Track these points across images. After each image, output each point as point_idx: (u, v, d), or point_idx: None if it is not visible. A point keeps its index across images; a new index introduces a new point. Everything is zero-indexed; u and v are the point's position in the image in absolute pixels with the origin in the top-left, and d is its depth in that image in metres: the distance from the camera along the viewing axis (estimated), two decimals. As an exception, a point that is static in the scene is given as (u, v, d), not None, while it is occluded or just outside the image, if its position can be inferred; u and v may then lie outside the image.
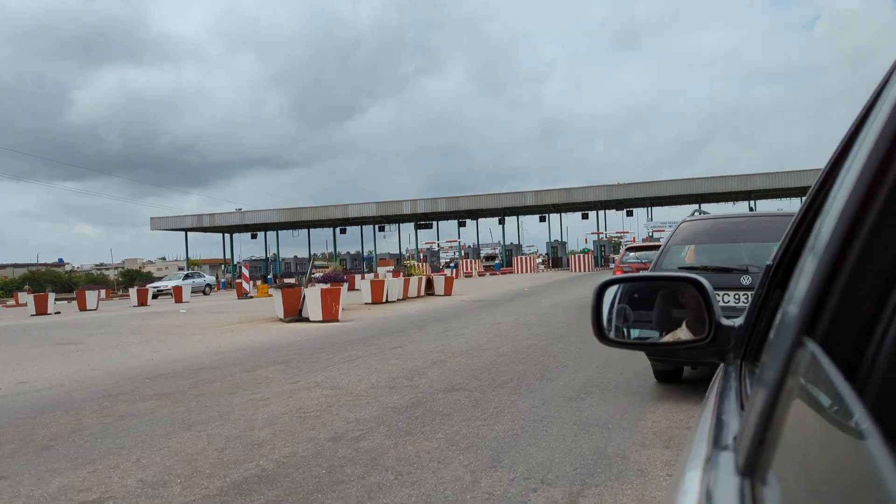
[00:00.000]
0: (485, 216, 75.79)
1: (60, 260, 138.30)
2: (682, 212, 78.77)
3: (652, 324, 1.72)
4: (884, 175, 0.61)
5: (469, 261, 65.57)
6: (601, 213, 72.96)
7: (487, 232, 73.99)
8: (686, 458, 1.00)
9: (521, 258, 64.57)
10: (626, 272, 15.23)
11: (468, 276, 54.02)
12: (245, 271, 28.98)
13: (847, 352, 0.61)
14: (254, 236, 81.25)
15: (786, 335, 0.73)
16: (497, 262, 70.78)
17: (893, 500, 0.37)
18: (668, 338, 1.62)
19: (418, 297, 24.80)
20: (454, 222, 75.53)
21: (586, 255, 61.38)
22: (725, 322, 1.43)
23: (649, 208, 70.66)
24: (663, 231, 61.34)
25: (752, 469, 0.68)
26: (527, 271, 62.40)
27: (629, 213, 71.48)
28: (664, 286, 1.74)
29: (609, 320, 1.70)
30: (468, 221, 78.36)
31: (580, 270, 58.72)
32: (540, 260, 70.52)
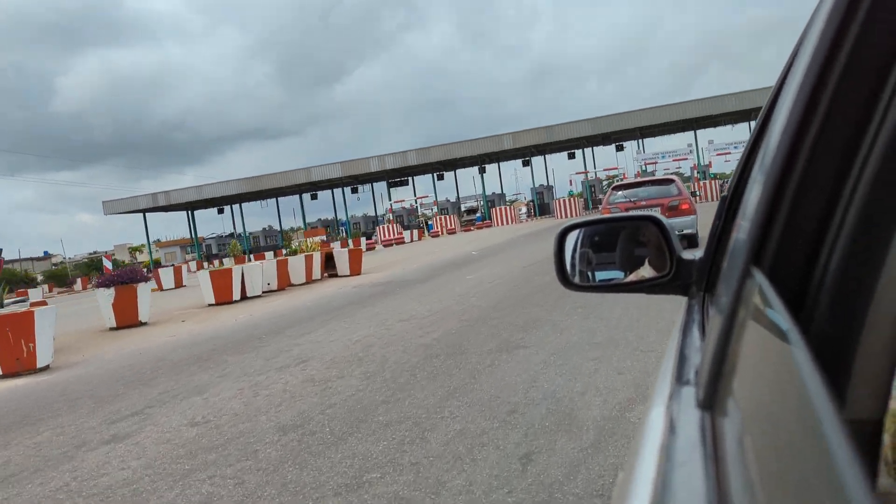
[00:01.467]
0: (462, 166, 67.86)
1: (46, 252, 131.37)
2: (679, 141, 70.51)
3: (616, 265, 1.67)
4: (819, 96, 0.59)
5: (444, 217, 57.95)
6: (588, 150, 64.93)
7: (473, 183, 66.00)
8: (652, 395, 1.00)
9: (501, 209, 56.88)
10: (613, 214, 10.39)
11: (435, 235, 46.34)
12: (108, 263, 21.42)
13: (792, 279, 0.62)
14: (220, 211, 73.90)
15: (735, 266, 0.72)
16: (478, 215, 63.15)
17: (822, 422, 0.39)
18: (632, 277, 1.59)
19: (307, 282, 17.30)
20: (433, 176, 67.83)
21: (573, 199, 53.53)
22: (686, 256, 1.42)
23: (639, 140, 62.50)
24: (656, 164, 53.31)
25: (712, 402, 0.66)
26: (508, 223, 54.78)
27: (619, 148, 63.42)
28: (624, 226, 1.70)
29: (572, 266, 1.65)
30: (446, 174, 70.52)
31: (567, 217, 51.12)
32: (524, 209, 62.88)
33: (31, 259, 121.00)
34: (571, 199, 53.33)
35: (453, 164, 67.58)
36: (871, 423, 0.53)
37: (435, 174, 66.84)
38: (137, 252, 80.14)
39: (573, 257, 1.66)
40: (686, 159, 54.05)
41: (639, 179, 17.87)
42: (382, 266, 20.68)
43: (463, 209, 69.21)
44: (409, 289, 13.14)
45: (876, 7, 0.54)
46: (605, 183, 76.89)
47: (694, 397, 0.74)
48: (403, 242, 40.25)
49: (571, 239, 1.65)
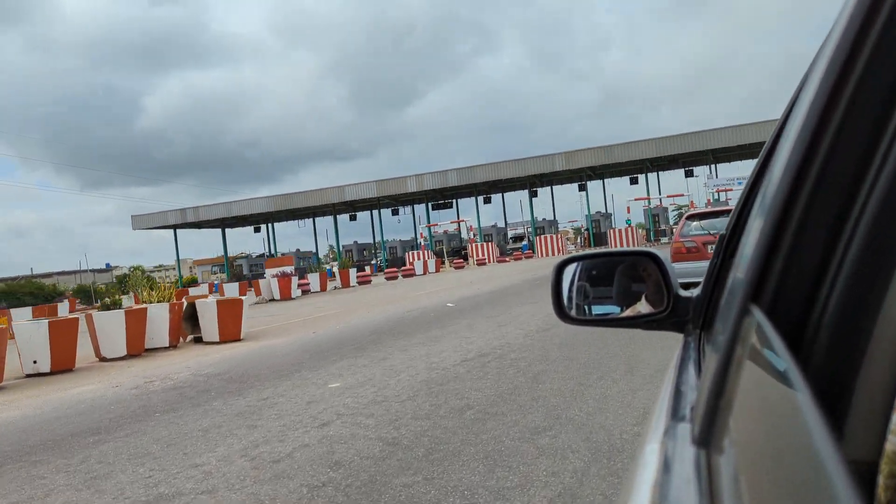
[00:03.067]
0: (511, 188, 60.52)
1: (108, 265, 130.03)
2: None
3: (612, 299, 1.65)
4: (822, 134, 0.57)
5: (483, 245, 50.48)
6: (653, 175, 56.63)
7: (521, 208, 57.54)
8: (647, 431, 0.98)
9: (545, 238, 49.08)
10: (689, 249, 10.60)
11: (459, 267, 38.65)
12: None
13: (791, 317, 0.60)
14: (256, 230, 68.69)
15: (733, 303, 0.70)
16: (524, 243, 55.56)
17: (823, 462, 0.38)
18: (628, 312, 1.58)
19: (129, 356, 10.23)
20: (479, 199, 60.68)
21: (631, 230, 45.34)
22: (683, 293, 1.40)
23: (712, 165, 53.83)
24: (731, 191, 44.66)
25: (708, 439, 0.65)
26: (553, 253, 46.95)
27: (689, 174, 54.89)
28: (622, 261, 1.69)
29: (569, 298, 1.62)
30: (494, 197, 63.21)
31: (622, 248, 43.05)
32: (576, 239, 55.05)
33: (93, 271, 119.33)
34: (629, 230, 45.14)
35: (501, 186, 60.33)
36: (867, 463, 0.53)
37: (480, 197, 59.75)
38: (115, 270, 75.06)
39: (570, 290, 1.60)
40: (768, 186, 45.15)
41: (719, 209, 14.12)
42: (300, 322, 13.61)
43: (510, 236, 61.75)
44: (189, 412, 6.00)
45: (880, 47, 0.53)
46: (671, 212, 67.76)
47: (689, 434, 0.72)
48: (413, 274, 33.02)
49: (569, 272, 1.60)
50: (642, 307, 1.50)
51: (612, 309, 1.65)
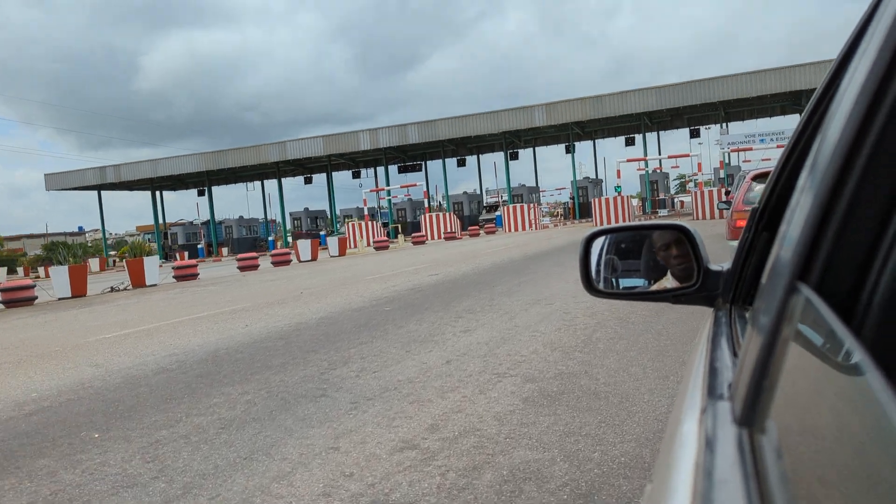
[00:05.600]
0: (488, 148, 50.80)
1: (80, 228, 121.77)
2: (786, 123, 51.27)
3: (640, 272, 1.63)
4: (879, 104, 0.52)
5: (442, 215, 40.81)
6: (651, 135, 46.76)
7: (495, 171, 48.18)
8: (680, 408, 0.95)
9: (513, 209, 39.28)
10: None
11: (381, 247, 28.65)
12: None
13: (843, 295, 0.56)
14: (200, 193, 59.16)
15: (778, 281, 0.66)
16: (498, 213, 46.00)
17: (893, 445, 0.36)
18: (656, 286, 1.56)
19: None
20: (450, 161, 51.06)
21: (621, 199, 35.47)
22: (713, 267, 1.39)
23: (723, 123, 43.81)
24: (751, 150, 34.73)
25: (750, 418, 0.62)
26: (522, 228, 37.34)
27: (694, 133, 44.97)
28: (651, 234, 1.64)
29: (597, 272, 1.62)
30: (470, 160, 53.51)
31: (610, 223, 33.33)
32: (556, 209, 45.45)
33: (65, 234, 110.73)
34: (619, 199, 35.23)
35: (473, 146, 50.60)
36: None
37: (450, 158, 50.07)
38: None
39: (598, 263, 1.60)
40: (797, 146, 34.93)
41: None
42: None
43: (485, 205, 52.18)
44: None
45: None
46: (673, 181, 57.32)
47: (730, 413, 0.69)
48: (288, 262, 22.89)
49: (597, 245, 1.59)
50: (670, 281, 1.47)
51: (640, 282, 1.59)
